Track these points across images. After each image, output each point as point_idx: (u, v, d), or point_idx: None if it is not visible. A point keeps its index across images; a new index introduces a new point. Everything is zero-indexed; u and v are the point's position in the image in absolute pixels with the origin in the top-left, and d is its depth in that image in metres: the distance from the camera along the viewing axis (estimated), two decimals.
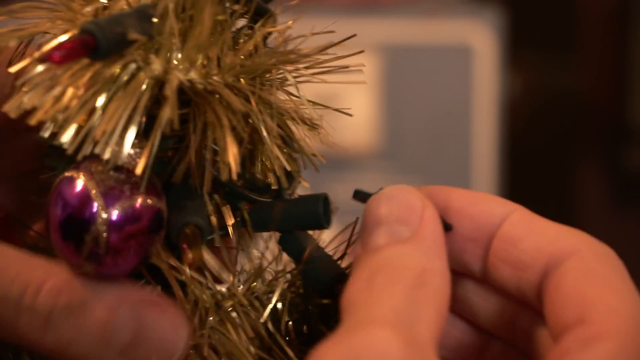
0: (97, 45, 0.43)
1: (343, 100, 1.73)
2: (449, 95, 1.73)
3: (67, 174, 0.45)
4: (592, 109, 2.06)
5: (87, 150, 0.44)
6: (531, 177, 1.98)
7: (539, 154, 2.02)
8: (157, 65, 0.45)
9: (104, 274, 0.45)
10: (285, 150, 0.49)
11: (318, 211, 0.49)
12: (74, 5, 0.47)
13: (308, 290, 0.48)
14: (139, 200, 0.45)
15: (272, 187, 0.50)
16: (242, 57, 0.47)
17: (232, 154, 0.45)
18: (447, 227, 0.47)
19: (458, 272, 0.48)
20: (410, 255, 0.43)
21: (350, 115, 0.52)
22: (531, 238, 0.45)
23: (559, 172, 2.03)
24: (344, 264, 0.50)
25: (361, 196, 0.48)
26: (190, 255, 0.45)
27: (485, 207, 0.47)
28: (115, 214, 0.44)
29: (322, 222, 0.49)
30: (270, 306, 0.47)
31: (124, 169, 0.45)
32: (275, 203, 0.48)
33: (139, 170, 0.44)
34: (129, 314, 0.45)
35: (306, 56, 0.48)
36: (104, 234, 0.44)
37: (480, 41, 1.72)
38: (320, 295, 0.48)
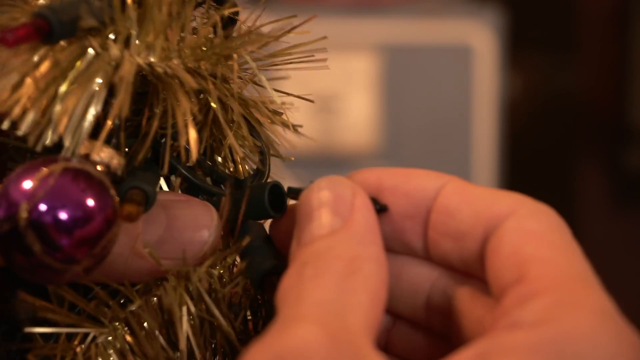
0: (51, 29, 0.43)
1: (343, 100, 1.73)
2: (449, 95, 1.73)
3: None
4: (592, 109, 2.06)
5: (46, 139, 0.43)
6: (531, 177, 1.98)
7: (539, 154, 2.02)
8: (115, 51, 0.45)
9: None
10: (248, 141, 0.49)
11: (264, 200, 0.48)
12: None
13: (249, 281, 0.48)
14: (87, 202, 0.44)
15: (236, 178, 0.50)
16: (202, 40, 0.47)
17: (192, 138, 0.45)
18: (382, 209, 0.46)
19: (401, 253, 0.47)
20: (340, 245, 0.43)
21: (312, 101, 0.52)
22: (467, 207, 0.44)
23: (559, 172, 2.03)
24: None
25: (294, 192, 0.47)
26: (127, 210, 0.44)
27: (419, 182, 0.46)
28: (61, 215, 0.43)
29: (269, 211, 0.48)
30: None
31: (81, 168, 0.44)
32: (228, 193, 0.48)
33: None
34: (159, 209, 0.46)
35: (265, 37, 0.48)
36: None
37: (480, 41, 1.72)
38: (253, 288, 0.47)
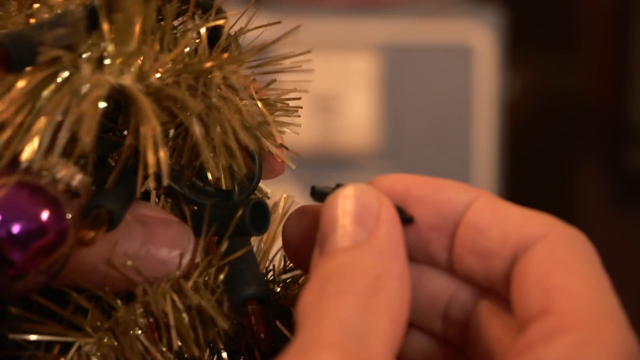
0: (9, 58, 0.42)
1: (343, 100, 1.73)
2: (449, 95, 1.73)
3: None
4: (592, 109, 2.06)
5: (20, 160, 0.43)
6: (531, 177, 1.98)
7: (539, 154, 2.02)
8: (87, 71, 0.44)
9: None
10: (237, 157, 0.48)
11: (244, 217, 0.47)
12: (7, 14, 0.46)
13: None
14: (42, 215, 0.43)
15: (224, 191, 0.49)
16: (180, 55, 0.46)
17: (162, 158, 0.43)
18: (408, 220, 0.45)
19: (423, 262, 0.47)
20: (365, 260, 0.42)
21: (298, 112, 0.51)
22: (497, 225, 0.43)
23: (559, 172, 2.03)
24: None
25: (318, 195, 0.46)
26: (89, 235, 0.44)
27: (448, 194, 0.45)
28: (14, 229, 0.42)
29: (248, 229, 0.47)
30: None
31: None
32: (209, 206, 0.47)
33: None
34: (138, 225, 0.46)
35: (248, 56, 0.47)
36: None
37: (480, 41, 1.72)
38: (234, 311, 0.47)
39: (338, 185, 0.45)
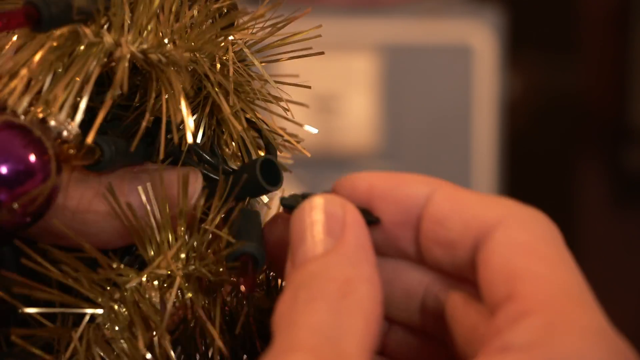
0: (40, 17, 0.44)
1: (343, 100, 1.73)
2: (449, 95, 1.73)
3: None
4: (592, 109, 2.06)
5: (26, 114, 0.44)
6: (531, 177, 1.98)
7: (539, 153, 2.02)
8: (108, 39, 0.45)
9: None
10: (247, 129, 0.50)
11: (256, 174, 0.48)
12: None
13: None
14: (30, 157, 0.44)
15: (239, 165, 0.50)
16: (197, 30, 0.47)
17: (186, 114, 0.45)
18: (374, 221, 0.46)
19: (397, 258, 0.47)
20: (333, 266, 0.43)
21: (307, 106, 0.52)
22: (456, 215, 0.44)
23: (559, 172, 2.03)
24: None
25: (287, 207, 0.47)
26: (244, 287, 0.45)
27: (409, 189, 0.46)
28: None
29: (263, 185, 0.49)
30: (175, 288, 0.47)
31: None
32: (221, 172, 0.49)
33: (89, 139, 0.45)
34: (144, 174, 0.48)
35: (251, 21, 0.49)
36: None
37: (480, 41, 1.72)
38: (226, 262, 0.48)
39: (305, 196, 0.46)
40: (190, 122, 0.45)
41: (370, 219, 0.46)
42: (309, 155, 0.53)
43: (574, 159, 2.05)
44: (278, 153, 0.52)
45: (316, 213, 0.45)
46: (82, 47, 0.45)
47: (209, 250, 0.48)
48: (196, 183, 0.48)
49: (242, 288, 0.46)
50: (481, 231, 0.43)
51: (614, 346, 0.39)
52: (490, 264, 0.42)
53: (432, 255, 0.45)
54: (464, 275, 0.45)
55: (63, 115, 0.45)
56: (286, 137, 0.51)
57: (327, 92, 1.73)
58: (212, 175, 0.49)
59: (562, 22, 2.03)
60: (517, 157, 1.88)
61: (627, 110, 2.03)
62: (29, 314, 0.47)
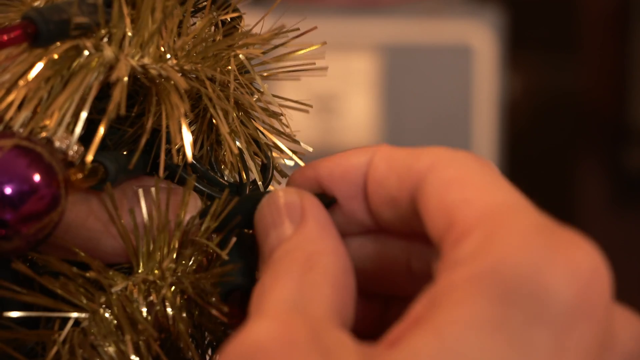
0: (38, 32, 0.44)
1: (343, 100, 1.73)
2: (449, 95, 1.73)
3: None
4: (592, 109, 2.06)
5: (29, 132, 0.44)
6: (531, 177, 1.98)
7: (539, 153, 2.02)
8: (108, 52, 0.45)
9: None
10: (247, 145, 0.49)
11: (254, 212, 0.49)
12: None
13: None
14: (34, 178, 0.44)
15: (234, 183, 0.50)
16: (196, 41, 0.47)
17: (186, 137, 0.45)
18: (331, 201, 0.47)
19: (363, 233, 0.48)
20: (296, 247, 0.44)
21: (311, 106, 0.52)
22: (392, 172, 0.45)
23: (559, 172, 2.03)
24: None
25: (246, 205, 0.48)
26: (78, 176, 0.45)
27: (350, 161, 0.47)
28: (6, 190, 0.43)
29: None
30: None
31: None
32: (226, 198, 0.49)
33: (89, 157, 0.45)
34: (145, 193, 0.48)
35: (258, 37, 0.48)
36: None
37: (480, 41, 1.72)
38: (220, 299, 0.48)
39: (265, 193, 0.47)
40: (188, 143, 0.45)
41: (327, 200, 0.47)
42: (301, 164, 0.53)
43: (573, 158, 2.05)
44: (276, 161, 0.52)
45: (274, 207, 0.46)
46: (80, 60, 0.45)
47: (192, 263, 0.48)
48: (192, 202, 0.48)
49: (227, 319, 0.47)
50: (415, 180, 0.44)
51: (557, 236, 0.39)
52: (429, 205, 0.43)
53: (383, 217, 0.46)
54: (416, 231, 0.45)
55: (61, 130, 0.44)
56: (284, 154, 0.52)
57: (327, 92, 1.73)
58: (211, 192, 0.49)
59: (562, 22, 2.03)
60: (516, 157, 1.88)
61: (627, 110, 2.03)
62: (9, 318, 0.47)
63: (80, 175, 0.45)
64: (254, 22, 0.51)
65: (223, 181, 0.50)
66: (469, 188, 0.42)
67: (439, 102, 1.73)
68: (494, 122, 1.73)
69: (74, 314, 0.47)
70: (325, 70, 0.50)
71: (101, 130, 0.44)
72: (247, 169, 0.50)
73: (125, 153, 0.47)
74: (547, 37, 2.03)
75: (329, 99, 1.73)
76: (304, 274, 0.42)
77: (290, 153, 0.52)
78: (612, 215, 2.04)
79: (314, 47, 0.50)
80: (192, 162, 0.48)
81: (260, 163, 0.51)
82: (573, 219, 2.05)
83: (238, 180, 0.50)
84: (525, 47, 1.98)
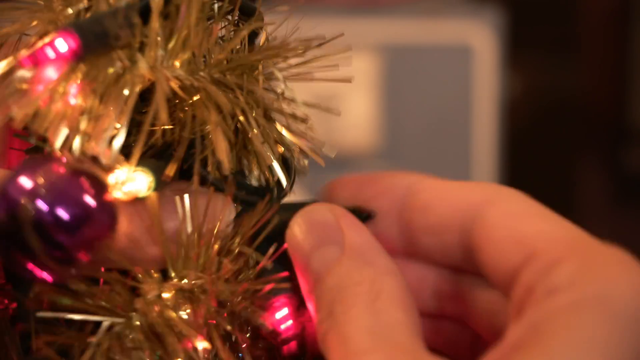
0: (79, 47, 0.43)
1: (343, 100, 1.73)
2: (449, 95, 1.73)
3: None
4: (592, 109, 2.06)
5: (77, 152, 0.44)
6: (531, 177, 1.98)
7: (539, 153, 2.02)
8: (143, 64, 0.45)
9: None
10: (277, 149, 0.49)
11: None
12: (55, 5, 0.47)
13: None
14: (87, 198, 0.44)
15: (263, 187, 0.50)
16: (228, 53, 0.47)
17: (222, 149, 0.45)
18: (369, 216, 0.46)
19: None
20: (351, 271, 0.43)
21: (338, 114, 0.52)
22: (442, 201, 0.45)
23: (559, 172, 2.03)
24: None
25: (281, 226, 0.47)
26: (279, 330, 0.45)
27: (393, 180, 0.47)
28: (61, 214, 0.43)
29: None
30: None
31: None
32: (262, 206, 0.48)
33: (135, 170, 0.44)
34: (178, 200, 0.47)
35: (292, 51, 0.48)
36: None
37: (480, 41, 1.72)
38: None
39: (301, 203, 0.46)
40: (226, 156, 0.45)
41: (362, 215, 0.46)
42: (323, 164, 0.53)
43: (574, 158, 2.05)
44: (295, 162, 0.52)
45: (309, 228, 0.45)
46: (116, 72, 0.45)
47: (227, 270, 0.48)
48: (228, 211, 0.48)
49: (277, 330, 0.46)
50: (469, 213, 0.44)
51: None
52: (493, 237, 0.43)
53: (422, 243, 0.46)
54: (454, 262, 0.45)
55: (104, 146, 0.44)
56: (308, 151, 0.51)
57: (327, 92, 1.73)
58: (247, 199, 0.49)
59: (562, 22, 2.03)
60: (517, 157, 1.88)
61: (628, 110, 2.02)
62: (45, 319, 0.47)
63: (128, 190, 0.45)
64: (276, 29, 0.51)
65: (256, 187, 0.49)
66: (537, 221, 0.43)
67: (439, 102, 1.73)
68: (494, 122, 1.73)
69: (110, 319, 0.46)
70: (350, 65, 0.51)
71: (139, 148, 0.44)
72: (273, 174, 0.50)
73: (160, 162, 0.47)
74: (547, 37, 2.03)
75: (329, 99, 1.73)
76: (374, 303, 0.41)
77: (311, 153, 0.52)
78: (613, 214, 2.04)
79: (339, 52, 0.51)
80: (229, 174, 0.48)
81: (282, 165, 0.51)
82: (573, 219, 2.04)
83: (264, 183, 0.50)
84: (525, 47, 1.98)
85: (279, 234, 0.48)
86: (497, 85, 1.72)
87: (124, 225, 0.46)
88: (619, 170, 2.04)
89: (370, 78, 1.73)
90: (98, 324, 0.47)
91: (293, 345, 0.47)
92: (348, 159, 1.74)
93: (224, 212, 0.47)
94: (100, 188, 0.44)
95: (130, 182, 0.45)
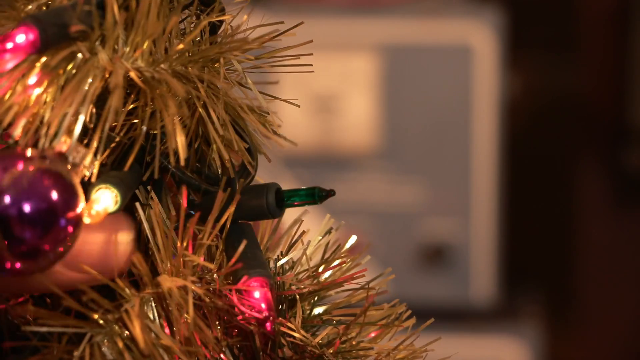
0: (38, 39, 0.43)
1: (343, 100, 1.73)
2: (449, 95, 1.73)
3: None
4: (592, 109, 2.06)
5: (38, 144, 0.44)
6: (531, 177, 1.98)
7: (539, 153, 2.02)
8: (103, 55, 0.45)
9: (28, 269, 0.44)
10: (236, 142, 0.49)
11: (267, 201, 0.49)
12: (17, 4, 0.47)
13: None
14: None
15: (222, 178, 0.50)
16: (189, 45, 0.47)
17: (180, 140, 0.45)
18: (331, 194, 0.48)
19: None
20: None
21: (298, 106, 0.52)
22: None
23: (559, 172, 2.03)
24: (325, 271, 0.51)
25: None
26: (96, 212, 0.45)
27: None
28: (25, 208, 0.43)
29: (267, 213, 0.49)
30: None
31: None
32: (221, 190, 0.48)
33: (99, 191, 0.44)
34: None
35: (252, 43, 0.49)
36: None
37: (480, 41, 1.72)
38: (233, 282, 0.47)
39: (263, 186, 0.46)
40: (182, 144, 0.45)
41: (323, 193, 0.47)
42: (296, 145, 0.53)
43: (573, 158, 2.05)
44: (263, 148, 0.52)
45: None
46: (76, 64, 0.45)
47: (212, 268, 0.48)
48: (127, 243, 0.48)
49: (262, 315, 0.46)
50: None
51: None
52: None
53: None
54: None
55: (61, 136, 0.44)
56: (272, 140, 0.51)
57: (327, 92, 1.73)
58: (210, 188, 0.49)
59: (562, 22, 2.03)
60: (517, 157, 1.88)
61: (627, 110, 2.03)
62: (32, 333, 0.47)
63: (96, 212, 0.45)
64: (254, 22, 0.51)
65: (217, 178, 0.50)
66: None
67: (439, 102, 1.73)
68: (494, 122, 1.73)
69: (90, 331, 0.46)
70: (311, 67, 0.51)
71: (104, 154, 0.44)
72: (234, 166, 0.50)
73: (124, 169, 0.47)
74: (547, 37, 2.03)
75: (328, 99, 1.73)
76: None
77: (277, 145, 0.52)
78: (612, 215, 2.04)
79: (300, 45, 0.51)
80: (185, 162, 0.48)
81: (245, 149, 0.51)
82: (573, 219, 2.05)
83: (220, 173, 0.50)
84: (525, 47, 1.98)
85: (245, 217, 0.48)
86: (497, 85, 1.72)
87: (93, 233, 0.47)
88: (619, 170, 2.04)
89: (370, 78, 1.73)
90: (78, 335, 0.47)
91: (268, 326, 0.47)
92: (348, 159, 1.74)
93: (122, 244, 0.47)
94: (69, 188, 0.44)
95: (96, 203, 0.45)
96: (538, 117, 2.03)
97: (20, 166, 0.44)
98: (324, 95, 1.72)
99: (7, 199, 0.43)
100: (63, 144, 0.45)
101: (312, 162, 1.69)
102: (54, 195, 0.44)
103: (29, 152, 0.44)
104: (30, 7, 0.47)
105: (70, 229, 0.44)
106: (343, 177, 1.73)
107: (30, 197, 0.43)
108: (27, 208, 0.43)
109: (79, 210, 0.44)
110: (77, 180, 0.45)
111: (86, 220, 0.45)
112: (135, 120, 0.47)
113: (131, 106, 0.47)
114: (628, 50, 2.01)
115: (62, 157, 0.45)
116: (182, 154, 0.45)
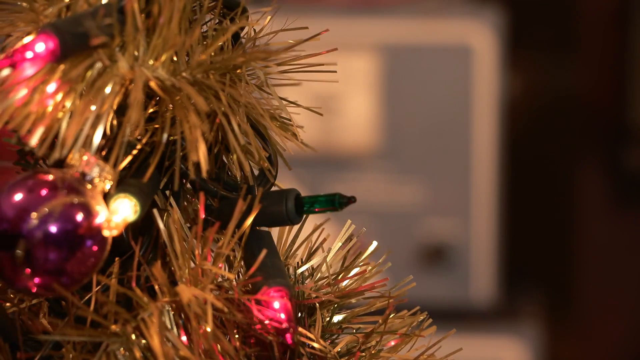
0: (58, 47, 0.43)
1: (343, 100, 1.73)
2: (449, 95, 1.73)
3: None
4: (592, 109, 2.06)
5: (55, 153, 0.44)
6: (531, 177, 1.98)
7: (539, 153, 2.02)
8: (123, 63, 0.45)
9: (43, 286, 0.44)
10: (256, 150, 0.49)
11: (286, 207, 0.48)
12: (36, 6, 0.46)
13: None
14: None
15: (241, 184, 0.49)
16: (211, 53, 0.47)
17: (201, 151, 0.44)
18: (352, 201, 0.47)
19: None
20: None
21: (321, 114, 0.52)
22: None
23: (559, 172, 2.03)
24: (345, 279, 0.50)
25: None
26: (116, 223, 0.45)
27: None
28: (53, 228, 0.43)
29: (286, 219, 0.49)
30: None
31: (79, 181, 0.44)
32: (241, 197, 0.48)
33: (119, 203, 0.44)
34: None
35: (276, 53, 0.48)
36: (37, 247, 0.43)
37: (480, 41, 1.72)
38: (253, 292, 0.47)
39: (284, 191, 0.46)
40: (203, 154, 0.45)
41: (344, 200, 0.46)
42: (316, 151, 0.52)
43: (573, 158, 2.05)
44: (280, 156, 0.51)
45: None
46: (95, 72, 0.44)
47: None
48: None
49: (284, 324, 0.45)
50: None
51: None
52: None
53: None
54: None
55: (79, 146, 0.44)
56: (288, 146, 0.51)
57: (327, 92, 1.73)
58: (230, 195, 0.49)
59: (562, 22, 2.03)
60: (517, 157, 1.88)
61: (627, 110, 2.02)
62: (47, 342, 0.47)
63: (116, 223, 0.45)
64: (260, 26, 0.50)
65: (236, 184, 0.49)
66: None
67: (439, 102, 1.73)
68: (494, 122, 1.73)
69: (107, 340, 0.46)
70: (335, 71, 0.50)
71: (116, 147, 0.44)
72: (253, 174, 0.50)
73: (144, 179, 0.46)
74: (547, 37, 2.02)
75: (329, 99, 1.72)
76: None
77: (292, 151, 0.52)
78: (612, 215, 2.04)
79: (324, 52, 0.50)
80: (209, 176, 0.48)
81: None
82: (573, 219, 2.05)
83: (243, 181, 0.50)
84: (525, 47, 1.98)
85: (264, 223, 0.48)
86: (497, 85, 1.72)
87: None
88: (619, 170, 2.04)
89: (370, 78, 1.73)
90: (94, 345, 0.47)
91: (288, 338, 0.46)
92: (348, 159, 1.74)
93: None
94: (91, 209, 0.44)
95: (115, 214, 0.45)
96: (538, 117, 2.03)
97: (44, 192, 0.43)
98: (324, 95, 1.72)
99: (33, 222, 0.43)
100: (81, 160, 0.44)
101: (312, 162, 1.69)
102: (79, 217, 0.44)
103: (50, 176, 0.44)
104: (50, 9, 0.46)
105: (95, 248, 0.44)
106: (343, 177, 1.73)
107: (55, 219, 0.43)
108: (53, 229, 0.43)
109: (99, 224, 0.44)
110: (98, 198, 0.45)
111: (106, 232, 0.44)
112: (156, 126, 0.47)
113: (151, 110, 0.47)
114: (628, 51, 2.01)
115: (82, 176, 0.45)
116: (204, 166, 0.44)
